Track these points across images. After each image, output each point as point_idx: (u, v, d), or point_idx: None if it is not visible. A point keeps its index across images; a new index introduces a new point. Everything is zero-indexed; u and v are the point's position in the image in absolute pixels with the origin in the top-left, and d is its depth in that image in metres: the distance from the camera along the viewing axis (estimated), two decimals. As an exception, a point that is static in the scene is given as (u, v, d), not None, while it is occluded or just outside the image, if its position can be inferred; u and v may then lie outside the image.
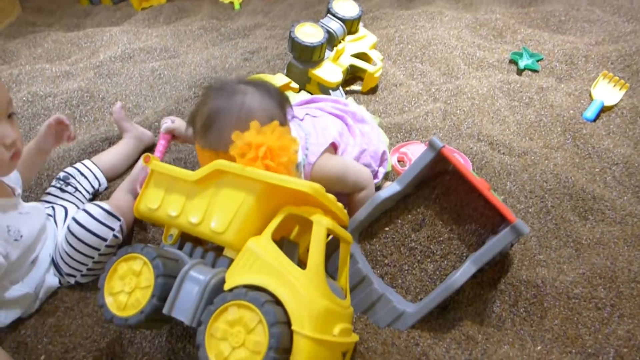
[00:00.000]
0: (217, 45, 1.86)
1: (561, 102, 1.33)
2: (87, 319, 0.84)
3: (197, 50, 1.83)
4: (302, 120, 1.03)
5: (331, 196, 0.71)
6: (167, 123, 1.03)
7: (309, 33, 1.35)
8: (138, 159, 1.21)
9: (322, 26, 1.38)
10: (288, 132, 0.73)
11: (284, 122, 0.82)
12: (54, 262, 0.89)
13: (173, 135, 1.06)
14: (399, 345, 0.75)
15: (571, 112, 1.29)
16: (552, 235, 0.97)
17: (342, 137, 1.00)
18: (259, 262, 0.64)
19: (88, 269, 0.88)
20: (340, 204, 0.74)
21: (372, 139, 1.04)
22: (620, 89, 1.33)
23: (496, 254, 0.76)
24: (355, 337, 0.71)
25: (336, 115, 1.07)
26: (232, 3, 2.24)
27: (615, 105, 1.30)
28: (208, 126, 0.79)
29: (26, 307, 0.85)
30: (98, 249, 0.86)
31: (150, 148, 1.27)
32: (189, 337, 0.79)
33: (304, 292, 0.61)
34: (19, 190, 0.88)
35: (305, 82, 1.40)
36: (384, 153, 1.05)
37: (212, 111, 0.79)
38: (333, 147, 0.98)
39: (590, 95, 1.34)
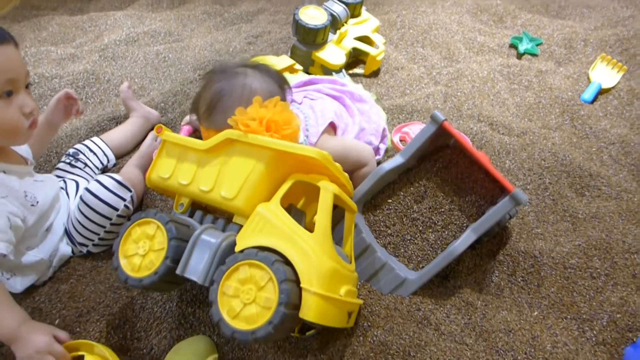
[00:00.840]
0: (221, 29, 1.88)
1: (560, 85, 1.35)
2: (100, 286, 0.87)
3: (201, 34, 1.84)
4: (300, 103, 1.05)
5: (337, 165, 0.73)
6: (190, 118, 1.05)
7: (312, 16, 1.37)
8: (145, 137, 1.23)
9: (325, 9, 1.40)
10: (289, 107, 0.76)
11: (284, 100, 0.85)
12: (66, 232, 0.92)
13: (194, 130, 1.09)
14: (402, 310, 0.78)
15: (569, 94, 1.31)
16: (550, 210, 1.00)
17: (340, 118, 1.03)
18: (269, 226, 0.67)
19: (100, 239, 0.91)
20: (345, 174, 0.77)
21: (371, 116, 1.06)
22: (618, 72, 1.35)
23: (495, 223, 0.79)
24: (359, 301, 0.74)
25: (334, 97, 1.10)
26: (234, -11, 2.25)
27: (613, 87, 1.32)
28: (213, 107, 0.83)
29: (41, 274, 0.88)
30: (110, 219, 0.89)
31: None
32: (199, 303, 0.82)
33: (312, 253, 0.63)
34: (32, 161, 0.90)
35: (308, 65, 1.42)
36: (384, 130, 1.08)
37: (215, 92, 0.83)
38: (332, 128, 1.01)
39: (588, 78, 1.36)
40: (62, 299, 0.86)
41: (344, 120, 1.03)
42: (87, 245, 0.92)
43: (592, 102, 1.29)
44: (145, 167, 1.08)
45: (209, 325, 0.79)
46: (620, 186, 1.03)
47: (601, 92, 1.32)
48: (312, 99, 1.07)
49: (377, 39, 1.50)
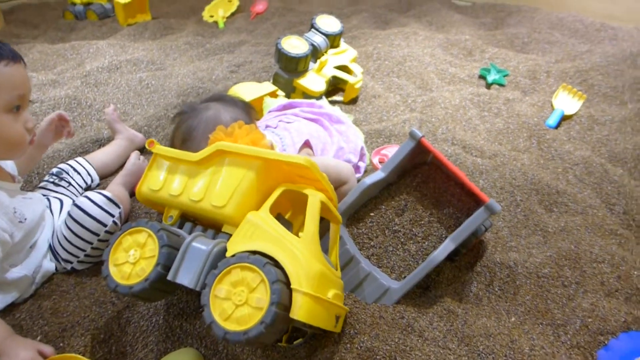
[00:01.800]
0: (203, 59, 1.93)
1: (526, 112, 1.45)
2: (85, 301, 0.86)
3: (184, 63, 1.89)
4: (275, 127, 1.09)
5: (324, 174, 0.77)
6: None
7: (294, 45, 1.43)
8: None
9: (307, 39, 1.48)
10: (255, 128, 0.80)
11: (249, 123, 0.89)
12: (51, 249, 0.91)
13: None
14: (386, 318, 0.80)
15: (535, 120, 1.40)
16: (522, 225, 1.05)
17: (318, 138, 1.07)
18: (259, 231, 0.69)
19: (86, 255, 0.90)
20: (331, 184, 0.81)
21: (349, 136, 1.11)
22: (578, 100, 1.45)
23: (472, 233, 0.83)
24: (346, 308, 0.76)
25: (312, 120, 1.15)
26: (216, 22, 2.33)
27: (575, 114, 1.42)
28: (185, 142, 0.92)
29: (22, 291, 0.87)
30: (97, 234, 0.89)
31: (140, 150, 1.31)
32: (186, 316, 0.83)
33: (301, 256, 0.66)
34: (19, 178, 0.91)
35: (290, 91, 1.48)
36: (362, 148, 1.13)
37: (186, 129, 0.93)
38: (309, 147, 1.05)
39: (551, 105, 1.46)
40: (44, 315, 0.85)
41: (322, 140, 1.07)
42: (71, 262, 0.91)
43: (556, 127, 1.39)
44: (129, 186, 1.09)
45: (196, 337, 0.80)
46: (585, 202, 1.10)
47: (564, 118, 1.41)
48: (287, 122, 1.11)
49: (356, 68, 1.57)
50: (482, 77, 1.65)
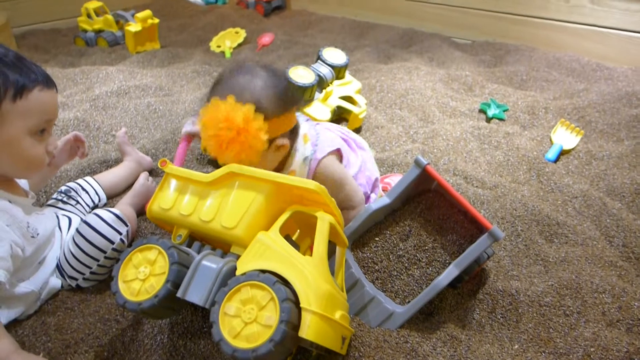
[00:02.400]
0: (210, 86, 1.98)
1: (526, 145, 1.48)
2: (89, 318, 0.86)
3: (191, 90, 1.94)
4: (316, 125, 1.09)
5: (332, 199, 0.79)
6: (188, 126, 1.03)
7: (301, 75, 1.48)
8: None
9: (313, 70, 1.52)
10: (260, 119, 0.80)
11: (270, 115, 0.86)
12: (58, 265, 0.92)
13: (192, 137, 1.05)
14: (391, 342, 0.81)
15: (534, 153, 1.44)
16: (523, 255, 1.07)
17: (347, 152, 1.08)
18: (269, 251, 0.71)
19: (91, 272, 0.91)
20: (339, 209, 0.82)
21: (367, 164, 1.14)
22: (576, 135, 1.49)
23: (475, 260, 0.85)
24: (352, 329, 0.76)
25: (341, 138, 1.17)
26: (223, 52, 2.39)
27: (573, 149, 1.46)
28: (215, 87, 0.91)
29: (28, 306, 0.87)
30: (104, 252, 0.90)
31: (149, 172, 1.33)
32: (190, 335, 0.83)
33: (310, 276, 0.67)
34: (32, 194, 0.92)
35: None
36: (376, 180, 1.15)
37: (222, 74, 0.92)
38: (339, 155, 1.05)
39: (550, 140, 1.50)
40: (48, 331, 0.85)
41: (347, 156, 1.08)
42: (77, 279, 0.92)
43: (555, 161, 1.42)
44: (137, 206, 1.10)
45: (201, 357, 0.79)
46: (585, 234, 1.12)
47: (563, 152, 1.45)
48: (325, 128, 1.11)
49: (360, 99, 1.62)
50: (483, 111, 1.69)
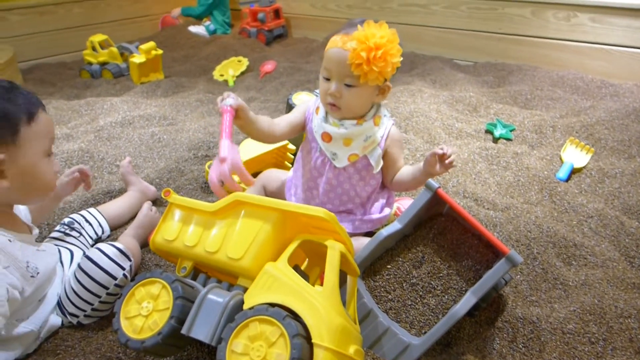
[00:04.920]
0: (214, 115, 1.97)
1: (535, 165, 1.45)
2: (90, 356, 0.82)
3: (195, 119, 1.93)
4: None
5: (342, 226, 0.76)
6: (230, 98, 0.90)
7: (304, 100, 1.47)
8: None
9: (316, 95, 1.51)
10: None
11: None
12: (58, 302, 0.89)
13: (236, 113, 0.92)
14: (407, 376, 0.76)
15: (545, 173, 1.41)
16: (541, 279, 1.02)
17: None
18: (278, 283, 0.67)
19: (93, 309, 0.88)
20: (349, 237, 0.79)
21: None
22: (587, 153, 1.47)
23: (493, 285, 0.81)
24: (366, 364, 0.72)
25: None
26: (226, 81, 2.40)
27: (584, 167, 1.43)
28: (351, 24, 0.93)
29: (26, 346, 0.83)
30: (107, 288, 0.87)
31: (152, 202, 1.31)
32: (196, 373, 0.79)
33: (321, 309, 0.64)
34: (35, 230, 0.90)
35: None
36: (392, 194, 1.13)
37: (356, 21, 0.94)
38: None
39: (560, 158, 1.47)
40: (47, 372, 0.81)
41: None
42: (78, 316, 0.88)
43: (567, 180, 1.39)
44: (141, 238, 1.08)
45: (207, 397, 0.75)
46: (604, 255, 1.07)
47: (574, 171, 1.42)
48: None
49: (364, 123, 1.60)
50: (489, 131, 1.67)
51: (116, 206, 1.19)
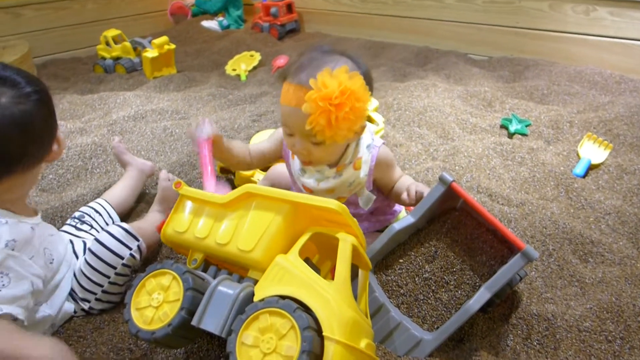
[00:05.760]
0: (226, 109, 1.97)
1: (551, 161, 1.42)
2: (102, 347, 0.83)
3: (207, 113, 1.94)
4: None
5: (354, 219, 0.75)
6: (205, 129, 0.92)
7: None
8: (143, 188, 1.31)
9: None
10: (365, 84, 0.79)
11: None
12: (70, 290, 0.89)
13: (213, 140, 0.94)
14: (419, 372, 0.75)
15: (562, 168, 1.38)
16: (557, 276, 1.00)
17: None
18: (288, 275, 0.67)
19: (103, 291, 0.89)
20: (360, 230, 0.78)
21: None
22: (604, 149, 1.43)
23: (508, 281, 0.79)
24: (378, 359, 0.71)
25: None
26: (238, 75, 2.40)
27: (602, 163, 1.39)
28: (303, 67, 0.84)
29: (43, 332, 0.84)
30: (114, 267, 0.88)
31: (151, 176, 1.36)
32: (206, 365, 0.79)
33: (333, 302, 0.63)
34: (39, 211, 0.91)
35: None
36: None
37: (310, 58, 0.86)
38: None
39: (577, 154, 1.44)
40: (59, 362, 0.81)
41: None
42: (89, 301, 0.89)
43: (584, 176, 1.36)
44: (169, 210, 1.08)
45: (217, 389, 0.75)
46: (622, 252, 1.05)
47: (591, 167, 1.39)
48: None
49: (377, 117, 1.59)
50: (504, 127, 1.64)
51: (119, 190, 1.21)
